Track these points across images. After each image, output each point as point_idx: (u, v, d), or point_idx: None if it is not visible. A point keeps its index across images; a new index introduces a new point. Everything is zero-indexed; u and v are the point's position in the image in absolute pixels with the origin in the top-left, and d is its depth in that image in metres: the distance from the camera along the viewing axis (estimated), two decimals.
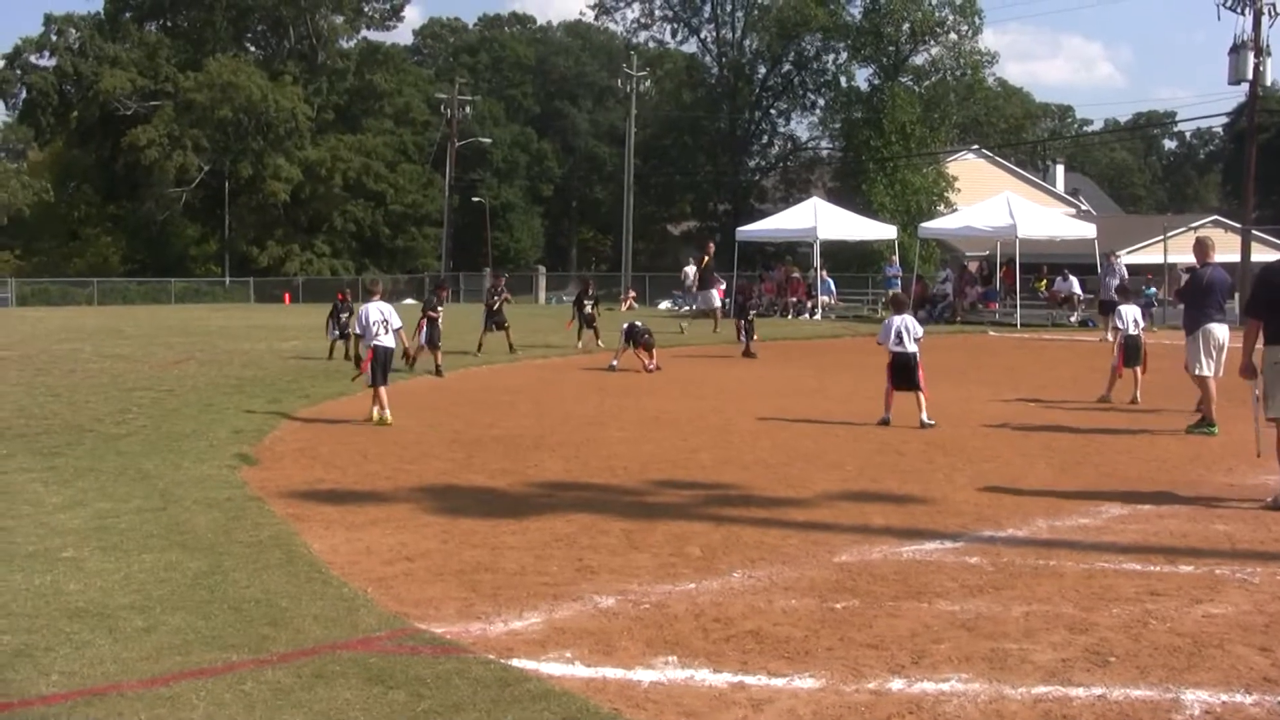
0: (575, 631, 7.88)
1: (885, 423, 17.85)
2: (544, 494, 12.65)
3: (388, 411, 18.21)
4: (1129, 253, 52.24)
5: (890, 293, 38.57)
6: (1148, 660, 7.33)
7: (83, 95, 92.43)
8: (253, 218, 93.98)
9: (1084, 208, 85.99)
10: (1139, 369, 20.88)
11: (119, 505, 11.61)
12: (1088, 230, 49.27)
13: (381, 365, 18.48)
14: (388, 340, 18.59)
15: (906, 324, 18.23)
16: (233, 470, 13.72)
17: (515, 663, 7.24)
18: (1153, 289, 44.11)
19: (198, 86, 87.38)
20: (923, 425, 17.40)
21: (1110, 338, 23.52)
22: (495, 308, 30.34)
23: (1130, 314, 21.28)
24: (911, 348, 18.03)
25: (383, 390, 18.34)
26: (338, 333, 28.29)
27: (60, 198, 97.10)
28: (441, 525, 11.01)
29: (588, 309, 32.35)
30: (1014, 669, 7.16)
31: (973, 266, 53.40)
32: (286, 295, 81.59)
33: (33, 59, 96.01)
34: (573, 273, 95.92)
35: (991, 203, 48.32)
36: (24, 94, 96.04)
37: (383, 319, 18.56)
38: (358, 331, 20.50)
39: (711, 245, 47.62)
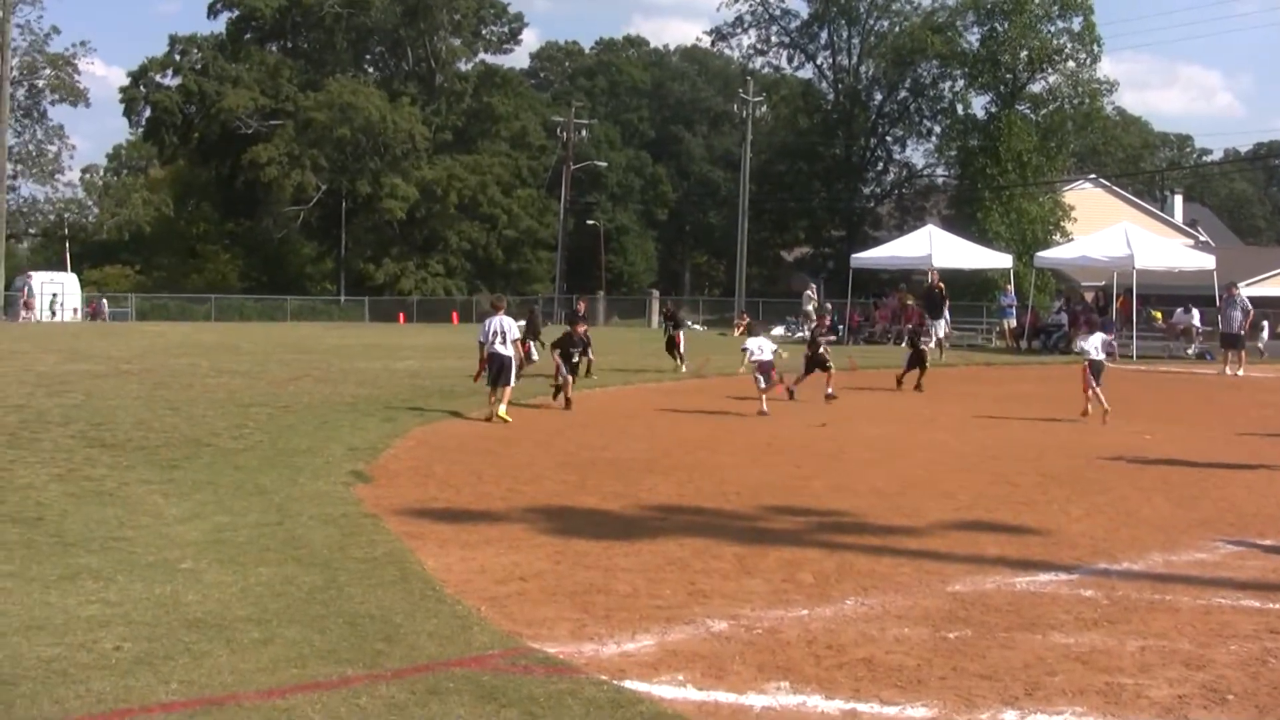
0: (687, 655, 7.87)
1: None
2: (656, 517, 12.64)
3: (502, 408, 20.71)
4: (1248, 284, 51.42)
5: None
6: (1267, 699, 7.22)
7: (204, 114, 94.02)
8: (369, 236, 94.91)
9: (1202, 238, 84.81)
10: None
11: (236, 519, 11.76)
12: (1206, 261, 48.49)
13: (496, 370, 20.99)
14: (504, 350, 20.97)
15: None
16: (348, 487, 13.84)
17: (628, 684, 7.25)
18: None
19: (317, 106, 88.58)
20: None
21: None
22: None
23: None
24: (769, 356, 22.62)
25: (494, 391, 20.95)
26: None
27: (180, 215, 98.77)
28: (555, 546, 11.04)
29: (670, 331, 33.64)
30: (1129, 704, 7.08)
31: (1089, 297, 52.75)
32: (401, 315, 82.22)
33: (157, 78, 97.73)
34: (685, 296, 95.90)
35: (1109, 233, 47.77)
36: (148, 112, 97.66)
37: (501, 331, 21.00)
38: (480, 340, 21.63)
39: (934, 273, 47.33)
